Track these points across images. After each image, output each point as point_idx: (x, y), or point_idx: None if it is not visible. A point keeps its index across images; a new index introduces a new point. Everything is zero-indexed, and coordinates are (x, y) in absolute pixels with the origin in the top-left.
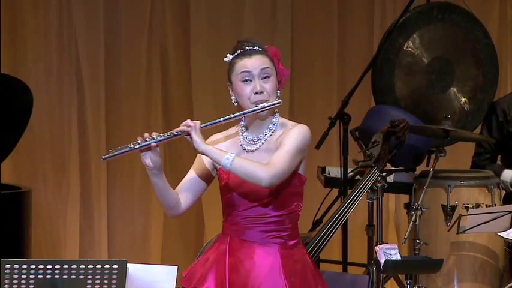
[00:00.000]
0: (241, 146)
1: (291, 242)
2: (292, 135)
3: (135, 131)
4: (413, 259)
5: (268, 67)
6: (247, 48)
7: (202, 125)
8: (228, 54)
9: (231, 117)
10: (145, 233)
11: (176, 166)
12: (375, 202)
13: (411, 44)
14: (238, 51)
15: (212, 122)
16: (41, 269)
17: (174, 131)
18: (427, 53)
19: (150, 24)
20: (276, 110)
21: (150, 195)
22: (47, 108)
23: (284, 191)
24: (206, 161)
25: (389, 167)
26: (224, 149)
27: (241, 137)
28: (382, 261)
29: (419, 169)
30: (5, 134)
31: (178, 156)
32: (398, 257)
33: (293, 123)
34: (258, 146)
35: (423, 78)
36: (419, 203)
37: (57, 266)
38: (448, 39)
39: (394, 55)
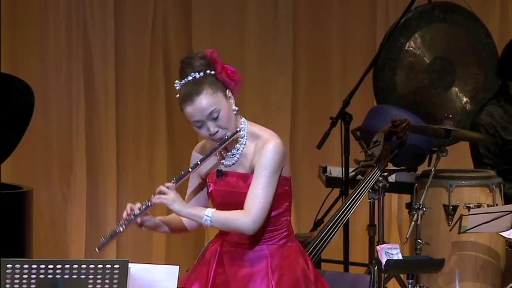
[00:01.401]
0: (220, 161)
1: (281, 242)
2: (264, 161)
3: (140, 131)
4: (414, 259)
5: (215, 108)
6: (189, 78)
7: (176, 183)
8: (177, 81)
9: (199, 164)
10: (148, 232)
11: (179, 170)
12: (376, 202)
13: (413, 44)
14: (183, 82)
15: (183, 175)
16: (42, 268)
17: (153, 200)
18: (428, 52)
19: (152, 24)
20: (241, 120)
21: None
22: (55, 107)
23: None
24: (197, 176)
25: (390, 166)
26: (208, 165)
27: (217, 154)
28: (383, 261)
29: (421, 169)
30: (6, 133)
31: (180, 159)
32: (400, 257)
33: (263, 134)
34: (233, 161)
35: (425, 78)
36: (420, 202)
37: (59, 266)
38: (450, 39)
39: (396, 55)
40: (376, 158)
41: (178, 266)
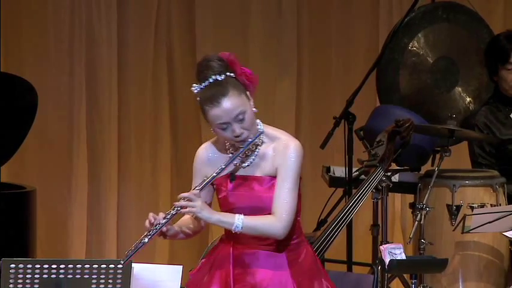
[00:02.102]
0: (234, 164)
1: (294, 242)
2: (289, 165)
3: (143, 130)
4: (418, 259)
5: (241, 109)
6: (211, 80)
7: (201, 190)
8: (194, 84)
9: (223, 168)
10: None
11: (182, 169)
12: (379, 202)
13: (416, 44)
14: (204, 85)
15: (207, 180)
16: (45, 268)
17: (178, 207)
18: (431, 52)
19: (156, 24)
20: (257, 121)
21: (158, 194)
22: (57, 107)
23: None
24: (202, 177)
25: (394, 166)
26: (218, 168)
27: (229, 152)
28: (387, 260)
29: (424, 169)
30: (10, 133)
31: (184, 158)
32: (403, 257)
33: (281, 136)
34: (249, 163)
35: (428, 77)
36: (424, 202)
37: (62, 266)
38: (453, 39)
39: (399, 55)
40: (379, 157)
41: (181, 266)
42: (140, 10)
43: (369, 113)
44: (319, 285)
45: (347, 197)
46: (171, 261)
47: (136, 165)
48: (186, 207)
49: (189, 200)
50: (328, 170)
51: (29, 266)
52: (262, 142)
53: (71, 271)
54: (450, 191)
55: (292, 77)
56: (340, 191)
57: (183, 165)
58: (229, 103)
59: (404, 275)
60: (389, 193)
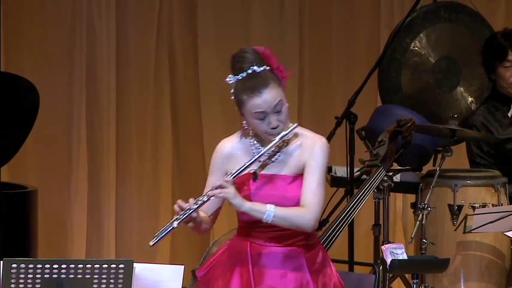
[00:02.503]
0: (259, 160)
1: (310, 242)
2: (317, 160)
3: (144, 131)
4: (419, 259)
5: (280, 100)
6: (249, 71)
7: (233, 177)
8: (230, 75)
9: (256, 158)
10: (152, 232)
11: (183, 170)
12: (381, 202)
13: (418, 44)
14: (241, 76)
15: (239, 170)
16: (47, 268)
17: (210, 194)
18: (433, 52)
19: (158, 25)
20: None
21: (158, 194)
22: (57, 107)
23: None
24: (222, 172)
25: (395, 166)
26: (241, 163)
27: (254, 147)
28: (388, 260)
29: (426, 169)
30: (12, 133)
31: (185, 158)
32: (405, 257)
33: (308, 134)
34: (274, 159)
35: (430, 77)
36: (425, 202)
37: (64, 266)
38: (455, 39)
39: (401, 55)
40: (381, 157)
41: (183, 266)
42: (142, 10)
43: (370, 112)
44: (334, 285)
45: (348, 196)
46: (172, 262)
47: (136, 165)
48: (220, 194)
49: (222, 186)
50: (329, 169)
51: (31, 265)
52: (289, 139)
53: (73, 271)
54: (452, 191)
55: (294, 77)
56: (341, 191)
57: (184, 166)
58: (270, 94)
59: (406, 275)
60: (391, 193)
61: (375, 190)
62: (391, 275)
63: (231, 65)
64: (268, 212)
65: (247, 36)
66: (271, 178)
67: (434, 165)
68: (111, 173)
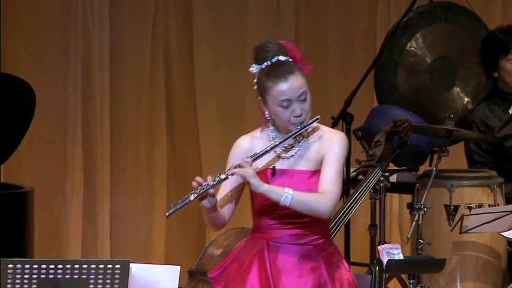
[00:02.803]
0: (275, 152)
1: (326, 242)
2: (335, 151)
3: (139, 131)
4: (416, 259)
5: (305, 89)
6: (273, 60)
7: (252, 159)
8: (253, 65)
9: (276, 144)
10: (148, 232)
11: (179, 170)
12: (377, 202)
13: (414, 44)
14: (265, 64)
15: (259, 153)
16: (43, 269)
17: (229, 173)
18: (430, 52)
19: (153, 25)
20: None
21: (153, 195)
22: (52, 107)
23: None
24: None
25: (392, 166)
26: (270, 144)
27: (273, 142)
28: (384, 261)
29: (422, 169)
30: (8, 133)
31: (181, 158)
32: (401, 257)
33: (327, 129)
34: (293, 153)
35: (426, 78)
36: (422, 202)
37: (60, 266)
38: (451, 39)
39: (397, 55)
40: (377, 158)
41: (179, 266)
42: (136, 10)
43: (367, 113)
44: (349, 284)
45: (345, 197)
46: (167, 262)
47: (131, 166)
48: (239, 172)
49: (241, 165)
50: None
51: (27, 266)
52: (309, 134)
53: (69, 271)
54: (448, 191)
55: None
56: None
57: (180, 166)
58: (297, 81)
59: (402, 275)
60: (387, 193)
61: (371, 190)
62: (387, 275)
63: (254, 56)
64: (287, 194)
65: (243, 36)
66: (290, 173)
67: (430, 165)
68: (105, 173)
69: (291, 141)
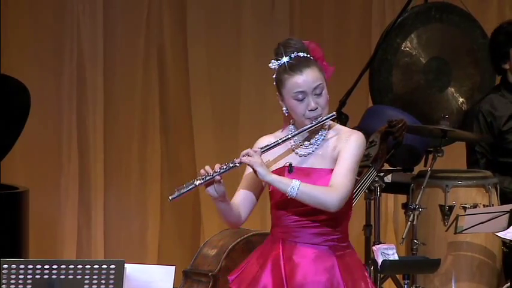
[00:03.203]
0: (293, 150)
1: (343, 244)
2: (350, 148)
3: (132, 131)
4: (410, 259)
5: (321, 83)
6: (292, 55)
7: (262, 150)
8: (273, 60)
9: (289, 137)
10: (142, 232)
11: (173, 170)
12: (372, 202)
13: (409, 44)
14: (284, 60)
15: (271, 145)
16: (38, 269)
17: (236, 162)
18: (424, 53)
19: (147, 23)
20: None
21: (147, 195)
22: (47, 108)
23: None
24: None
25: (386, 167)
26: (278, 155)
27: (292, 141)
28: (379, 261)
29: (417, 169)
30: (3, 134)
31: (175, 158)
32: (396, 257)
33: (346, 128)
34: (311, 151)
35: (421, 78)
36: (416, 203)
37: (55, 266)
38: (446, 39)
39: (392, 55)
40: (372, 158)
41: (174, 267)
42: (131, 10)
43: (361, 113)
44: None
45: None
46: (161, 262)
47: (125, 165)
48: (246, 160)
49: (250, 154)
50: None
51: (22, 266)
52: (327, 132)
53: (64, 271)
54: (443, 192)
55: None
56: None
57: (174, 166)
58: (312, 74)
59: (397, 276)
60: (383, 193)
61: (366, 191)
62: (382, 276)
63: (275, 52)
64: (293, 185)
65: (238, 36)
66: (307, 171)
67: (425, 165)
68: (98, 173)
69: (309, 139)
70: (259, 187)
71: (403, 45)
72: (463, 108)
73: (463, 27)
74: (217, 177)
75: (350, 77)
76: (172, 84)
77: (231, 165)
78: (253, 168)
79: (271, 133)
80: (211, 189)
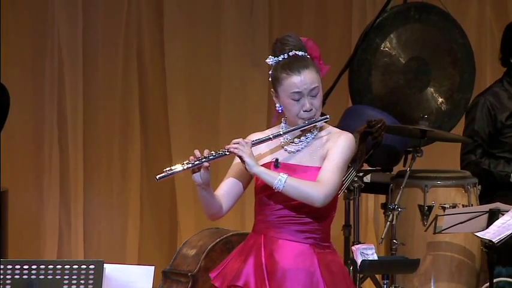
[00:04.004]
0: (283, 147)
1: (324, 244)
2: (339, 147)
3: (112, 131)
4: (390, 259)
5: (317, 85)
6: (291, 54)
7: (253, 143)
8: (270, 56)
9: (280, 134)
10: (121, 233)
11: (152, 169)
12: (351, 202)
13: (388, 44)
14: (282, 57)
15: (261, 139)
16: (17, 269)
17: (226, 150)
18: (404, 53)
19: (126, 23)
20: None
21: (127, 196)
22: (27, 108)
23: None
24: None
25: (366, 167)
26: (266, 150)
27: (282, 138)
28: (358, 261)
29: (396, 169)
30: None
31: (154, 159)
32: (375, 257)
33: (336, 129)
34: (299, 148)
35: (400, 78)
36: (396, 203)
37: (34, 266)
38: (425, 40)
39: (371, 55)
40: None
41: (153, 267)
42: (109, 11)
43: (341, 113)
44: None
45: None
46: (141, 262)
47: (105, 165)
48: (235, 149)
49: (240, 144)
50: None
51: (1, 266)
52: (318, 132)
53: (43, 272)
54: (422, 192)
55: (264, 76)
56: None
57: (153, 167)
58: (310, 76)
59: (376, 276)
60: (362, 193)
61: (346, 191)
62: (361, 276)
63: (273, 48)
64: (280, 178)
65: (217, 36)
66: (293, 168)
67: (404, 165)
68: (78, 174)
69: (299, 137)
70: (245, 180)
71: (382, 46)
72: (442, 108)
73: (442, 27)
74: (206, 164)
75: (330, 77)
76: (151, 85)
77: (220, 152)
78: (241, 159)
79: (260, 131)
80: (196, 176)
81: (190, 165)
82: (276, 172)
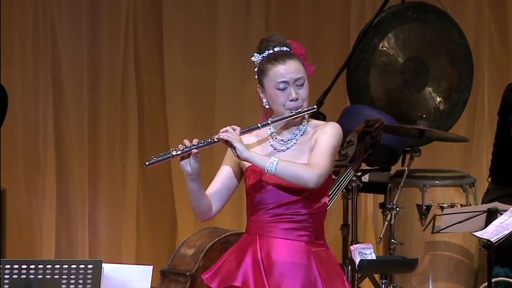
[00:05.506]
0: (272, 146)
1: (319, 242)
2: (327, 133)
3: (111, 131)
4: (388, 259)
5: (302, 75)
6: (275, 49)
7: (241, 131)
8: (255, 54)
9: (269, 123)
10: (120, 232)
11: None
12: (350, 202)
13: (386, 44)
14: (267, 52)
15: (250, 127)
16: (16, 269)
17: (215, 137)
18: (402, 52)
19: (126, 25)
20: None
21: (125, 196)
22: (23, 107)
23: (314, 190)
24: (235, 165)
25: (364, 166)
26: (254, 148)
27: (270, 136)
28: (357, 260)
29: (394, 169)
30: None
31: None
32: (374, 257)
33: (321, 122)
34: (289, 146)
35: (398, 78)
36: (394, 202)
37: (32, 266)
38: (423, 39)
39: (369, 55)
40: (349, 158)
41: (151, 266)
42: (108, 10)
43: (339, 113)
44: (342, 284)
45: None
46: (138, 262)
47: (104, 166)
48: (224, 136)
49: (229, 131)
50: None
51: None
52: (305, 128)
53: (41, 271)
54: (420, 191)
55: None
56: None
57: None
58: (294, 65)
59: (375, 275)
60: (362, 193)
61: (344, 190)
62: (359, 275)
63: (258, 47)
64: (272, 160)
65: (213, 36)
66: None
67: (402, 165)
68: (78, 174)
69: (287, 135)
70: (234, 180)
71: (380, 45)
72: (441, 107)
73: (440, 27)
74: (194, 151)
75: (328, 77)
76: (149, 85)
77: (209, 140)
78: (231, 145)
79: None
80: (185, 163)
81: (179, 152)
82: (267, 156)
